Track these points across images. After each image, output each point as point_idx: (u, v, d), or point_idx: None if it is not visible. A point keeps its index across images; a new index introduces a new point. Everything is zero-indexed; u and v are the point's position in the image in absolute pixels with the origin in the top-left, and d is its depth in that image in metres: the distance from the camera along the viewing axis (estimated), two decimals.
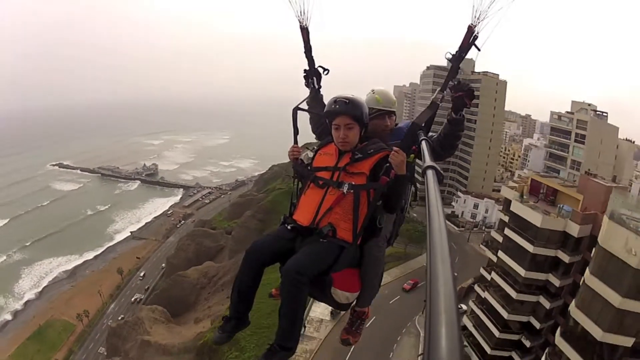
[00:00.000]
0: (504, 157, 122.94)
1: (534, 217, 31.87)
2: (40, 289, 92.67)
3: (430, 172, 1.90)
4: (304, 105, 4.15)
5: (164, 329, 64.98)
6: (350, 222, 3.39)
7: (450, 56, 3.58)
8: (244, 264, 3.34)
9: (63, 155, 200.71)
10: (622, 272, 22.86)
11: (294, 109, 3.90)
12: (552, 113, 70.58)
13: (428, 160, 2.38)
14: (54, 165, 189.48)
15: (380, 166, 3.49)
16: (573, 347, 25.42)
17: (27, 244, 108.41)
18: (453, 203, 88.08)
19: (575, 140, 64.16)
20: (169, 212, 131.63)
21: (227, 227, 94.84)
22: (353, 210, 3.40)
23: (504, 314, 34.43)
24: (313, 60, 4.24)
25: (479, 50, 3.54)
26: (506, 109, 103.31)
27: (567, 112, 68.11)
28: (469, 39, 3.49)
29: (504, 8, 3.21)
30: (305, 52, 4.21)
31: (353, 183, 3.44)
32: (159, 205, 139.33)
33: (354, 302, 3.76)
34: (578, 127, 63.83)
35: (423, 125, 3.52)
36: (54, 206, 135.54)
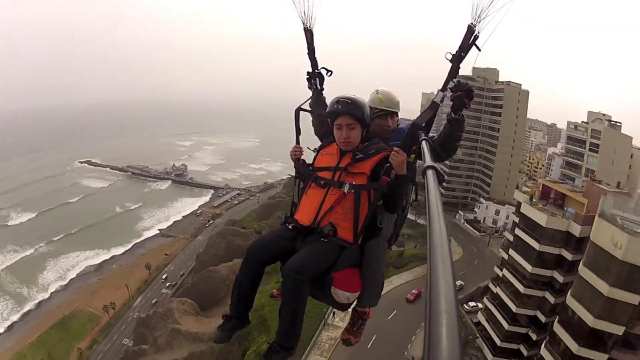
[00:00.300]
0: (528, 166, 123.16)
1: (540, 218, 35.27)
2: (66, 281, 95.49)
3: (430, 172, 1.91)
4: (307, 106, 4.21)
5: (193, 320, 67.57)
6: (351, 222, 3.43)
7: (451, 56, 3.61)
8: (245, 264, 3.41)
9: (91, 153, 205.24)
10: (609, 264, 25.84)
11: (296, 110, 4.00)
12: (569, 123, 73.37)
13: (428, 160, 2.38)
14: (82, 162, 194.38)
15: (381, 166, 3.51)
16: (569, 334, 28.38)
17: (55, 239, 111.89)
18: (475, 209, 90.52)
19: (590, 149, 66.42)
20: (198, 212, 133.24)
21: (257, 227, 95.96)
22: (354, 210, 3.44)
23: (513, 307, 37.73)
24: (316, 62, 4.32)
25: (479, 50, 3.56)
26: (533, 117, 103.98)
27: (583, 121, 70.44)
28: (470, 39, 3.53)
29: (505, 7, 3.23)
30: (308, 54, 4.29)
31: (354, 183, 3.47)
32: (187, 204, 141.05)
33: (355, 302, 3.75)
34: (592, 137, 66.02)
35: (423, 125, 3.54)
36: (83, 202, 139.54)
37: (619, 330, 26.42)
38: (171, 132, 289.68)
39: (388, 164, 3.40)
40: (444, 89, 3.67)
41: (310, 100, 4.35)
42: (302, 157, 3.96)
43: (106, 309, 79.17)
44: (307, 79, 4.36)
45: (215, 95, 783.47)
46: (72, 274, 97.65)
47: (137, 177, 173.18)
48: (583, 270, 28.19)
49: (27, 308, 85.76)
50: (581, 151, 68.13)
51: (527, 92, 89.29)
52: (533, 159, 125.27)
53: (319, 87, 4.36)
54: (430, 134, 3.84)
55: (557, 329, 29.90)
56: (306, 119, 4.15)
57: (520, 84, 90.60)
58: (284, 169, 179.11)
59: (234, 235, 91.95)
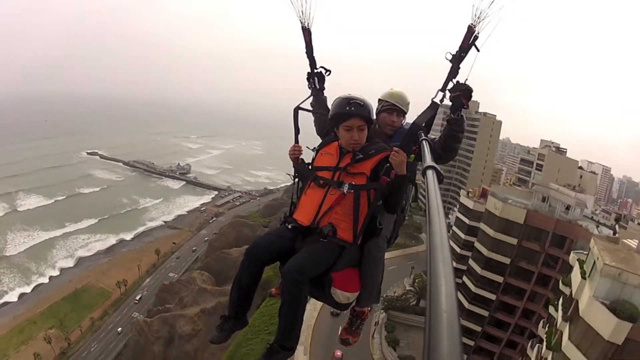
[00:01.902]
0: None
1: (469, 203, 52.55)
2: (76, 259, 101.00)
3: (430, 172, 1.89)
4: (306, 106, 4.18)
5: (212, 287, 73.04)
6: (350, 222, 3.43)
7: (450, 56, 3.60)
8: (244, 263, 3.37)
9: (98, 145, 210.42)
10: (493, 219, 43.62)
11: (295, 109, 3.96)
12: (522, 148, 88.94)
13: (428, 161, 2.34)
14: (89, 153, 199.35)
15: (381, 166, 3.49)
16: (476, 263, 46.30)
17: (67, 223, 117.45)
18: (449, 216, 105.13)
19: (536, 168, 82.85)
20: (202, 209, 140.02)
21: (263, 222, 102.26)
22: (353, 210, 3.43)
23: (454, 262, 52.71)
24: (315, 61, 4.28)
25: (478, 50, 3.56)
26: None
27: (534, 147, 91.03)
28: (469, 39, 3.53)
29: (504, 7, 3.25)
30: (306, 53, 4.24)
31: (353, 183, 3.47)
32: (190, 202, 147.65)
33: (354, 302, 3.69)
34: (539, 159, 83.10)
35: (423, 125, 3.49)
36: (92, 191, 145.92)
37: (506, 260, 42.71)
38: (179, 133, 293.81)
39: (388, 164, 3.40)
40: (443, 89, 3.66)
41: (311, 100, 4.37)
42: (301, 157, 3.92)
43: (119, 284, 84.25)
44: (307, 78, 4.36)
45: (229, 103, 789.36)
46: (82, 254, 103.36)
47: (142, 172, 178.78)
48: (482, 225, 45.67)
49: (37, 282, 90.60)
50: (529, 170, 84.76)
51: (500, 122, 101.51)
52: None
53: (317, 87, 4.35)
54: (432, 136, 3.82)
55: (470, 262, 47.50)
56: (305, 118, 4.11)
57: (495, 115, 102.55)
58: (285, 177, 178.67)
59: (243, 225, 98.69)
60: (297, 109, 3.99)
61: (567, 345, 23.48)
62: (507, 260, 41.92)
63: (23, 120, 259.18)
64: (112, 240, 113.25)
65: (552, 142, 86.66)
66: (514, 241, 41.48)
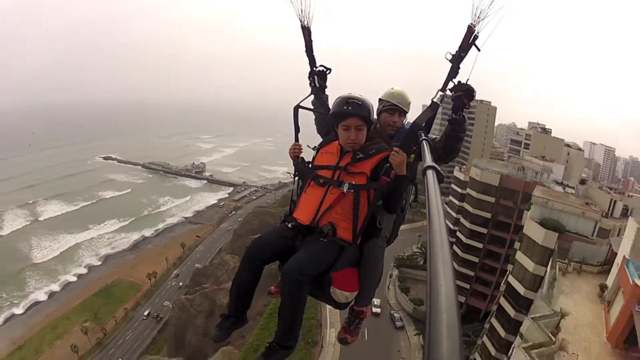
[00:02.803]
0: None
1: (460, 176, 60.44)
2: (103, 257, 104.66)
3: (430, 172, 1.90)
4: (307, 104, 4.18)
5: None
6: (350, 222, 3.44)
7: (450, 56, 3.58)
8: (244, 262, 3.41)
9: (111, 150, 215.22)
10: (475, 183, 52.80)
11: (295, 107, 3.96)
12: (512, 129, 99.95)
13: (428, 160, 2.33)
14: (103, 158, 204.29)
15: (381, 166, 3.51)
16: (468, 222, 54.89)
17: (90, 226, 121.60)
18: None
19: (524, 147, 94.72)
20: (221, 204, 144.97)
21: (284, 210, 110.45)
22: (353, 209, 3.44)
23: (453, 213, 59.94)
24: (314, 60, 4.28)
25: (479, 50, 3.54)
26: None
27: (521, 128, 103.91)
28: (469, 39, 3.51)
29: (504, 7, 3.23)
30: (306, 52, 4.24)
31: (353, 183, 3.47)
32: (208, 198, 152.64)
33: (353, 302, 3.73)
34: (526, 139, 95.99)
35: (423, 125, 3.49)
36: (112, 195, 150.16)
37: (488, 215, 51.87)
38: (191, 134, 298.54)
39: (388, 164, 3.40)
40: (443, 89, 3.63)
41: (312, 99, 4.36)
42: (301, 155, 3.93)
43: (149, 276, 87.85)
44: (308, 77, 4.35)
45: (238, 102, 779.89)
46: (109, 252, 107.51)
47: (159, 173, 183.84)
48: (468, 190, 54.75)
49: (66, 281, 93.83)
50: (518, 149, 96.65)
51: (495, 108, 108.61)
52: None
53: (317, 85, 4.33)
54: (433, 136, 3.82)
55: (461, 219, 56.45)
56: (305, 117, 4.14)
57: (490, 102, 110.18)
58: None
59: (265, 214, 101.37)
60: (297, 107, 3.99)
61: (519, 255, 34.55)
62: (488, 215, 51.61)
63: (29, 131, 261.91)
64: (136, 237, 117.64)
65: (538, 124, 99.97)
66: (492, 200, 51.15)
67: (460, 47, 3.54)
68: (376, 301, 54.34)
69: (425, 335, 0.86)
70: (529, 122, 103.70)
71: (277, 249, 3.46)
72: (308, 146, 3.95)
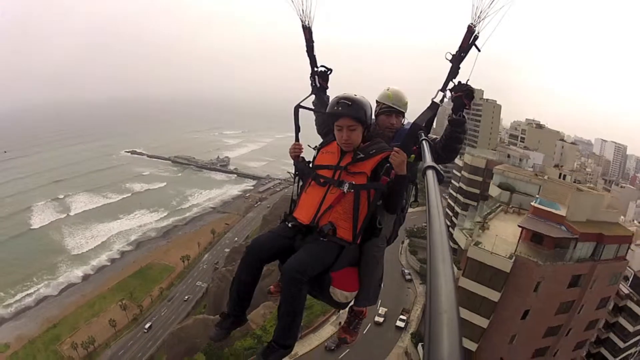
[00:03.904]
0: None
1: (459, 162, 64.74)
2: (135, 244, 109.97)
3: (430, 172, 1.91)
4: (308, 104, 4.18)
5: None
6: (350, 222, 3.45)
7: (451, 56, 3.60)
8: (244, 261, 3.43)
9: (136, 144, 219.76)
10: (467, 165, 61.52)
11: (295, 107, 3.95)
12: (512, 124, 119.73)
13: (428, 160, 2.35)
14: (129, 152, 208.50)
15: (381, 166, 3.52)
16: (462, 197, 63.57)
17: (121, 215, 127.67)
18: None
19: (520, 140, 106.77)
20: (247, 195, 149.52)
21: None
22: (353, 209, 3.46)
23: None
24: (315, 59, 4.29)
25: (479, 50, 3.56)
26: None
27: (517, 121, 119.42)
28: (469, 39, 3.53)
29: (504, 7, 3.26)
30: (307, 51, 4.25)
31: (354, 182, 3.48)
32: (234, 190, 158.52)
33: (352, 301, 3.77)
34: (522, 133, 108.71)
35: (423, 125, 3.49)
36: (140, 187, 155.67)
37: (477, 190, 58.38)
38: (216, 129, 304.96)
39: (388, 164, 3.41)
40: (443, 89, 3.66)
41: (313, 99, 4.38)
42: (302, 155, 3.96)
43: (183, 259, 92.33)
44: (310, 77, 4.36)
45: (265, 96, 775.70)
46: (141, 239, 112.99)
47: (185, 166, 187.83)
48: (462, 172, 62.66)
49: (100, 264, 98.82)
50: (515, 142, 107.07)
51: (499, 106, 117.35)
52: None
53: (318, 85, 4.33)
54: (433, 136, 3.86)
55: (457, 196, 64.64)
56: (305, 117, 4.12)
57: (495, 100, 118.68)
58: None
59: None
60: (298, 107, 3.96)
61: (484, 207, 41.98)
62: (477, 191, 59.00)
63: (53, 127, 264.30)
64: (166, 225, 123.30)
65: (534, 120, 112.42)
66: (480, 179, 59.21)
67: (460, 47, 3.56)
68: (381, 310, 54.13)
69: (425, 336, 0.86)
70: (526, 119, 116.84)
71: (276, 249, 3.47)
72: (309, 146, 3.98)
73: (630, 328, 41.95)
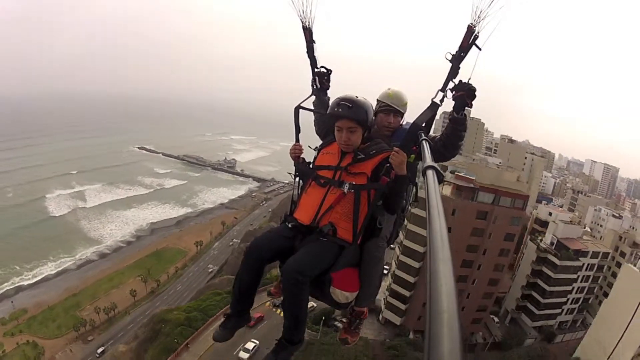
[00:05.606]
0: None
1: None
2: (150, 229, 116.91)
3: (430, 172, 1.89)
4: (308, 105, 4.14)
5: None
6: (350, 222, 3.44)
7: (451, 56, 3.55)
8: (245, 262, 3.41)
9: (145, 142, 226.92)
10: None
11: (295, 108, 3.91)
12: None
13: (428, 160, 2.34)
14: (137, 147, 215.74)
15: (381, 166, 3.49)
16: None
17: (134, 205, 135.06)
18: None
19: (494, 152, 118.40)
20: (253, 194, 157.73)
21: None
22: (353, 210, 3.45)
23: None
24: (316, 61, 4.23)
25: (479, 50, 3.51)
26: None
27: (492, 135, 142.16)
28: (469, 39, 3.49)
29: (504, 7, 3.23)
30: (307, 52, 4.19)
31: (354, 183, 3.48)
32: (241, 189, 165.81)
33: (353, 302, 3.71)
34: (495, 147, 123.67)
35: (423, 125, 3.48)
36: (151, 181, 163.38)
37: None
38: (225, 133, 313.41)
39: (388, 164, 3.39)
40: (443, 89, 3.59)
41: (314, 100, 4.32)
42: (302, 156, 3.95)
43: (196, 244, 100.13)
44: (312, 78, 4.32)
45: (274, 103, 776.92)
46: (155, 226, 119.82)
47: (194, 165, 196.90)
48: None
49: (117, 245, 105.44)
50: (490, 154, 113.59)
51: (483, 124, 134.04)
52: None
53: (318, 86, 4.29)
54: (432, 134, 3.87)
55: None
56: (306, 118, 4.08)
57: (480, 118, 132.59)
58: None
59: None
60: (298, 108, 3.92)
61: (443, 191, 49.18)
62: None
63: (62, 118, 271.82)
64: (179, 216, 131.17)
65: (507, 136, 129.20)
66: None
67: (460, 47, 3.51)
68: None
69: (425, 335, 0.85)
70: (501, 135, 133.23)
71: (277, 249, 3.45)
72: (309, 147, 3.95)
73: (552, 274, 58.95)
